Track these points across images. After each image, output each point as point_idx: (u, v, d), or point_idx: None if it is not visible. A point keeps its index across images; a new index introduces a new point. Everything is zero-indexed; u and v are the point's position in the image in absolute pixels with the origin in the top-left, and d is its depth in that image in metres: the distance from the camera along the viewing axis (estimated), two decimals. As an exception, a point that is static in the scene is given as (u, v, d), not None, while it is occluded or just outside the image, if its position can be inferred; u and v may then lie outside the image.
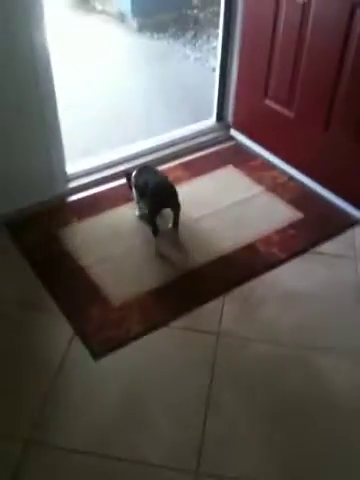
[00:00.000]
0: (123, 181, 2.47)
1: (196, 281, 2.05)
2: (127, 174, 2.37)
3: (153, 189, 2.16)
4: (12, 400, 1.65)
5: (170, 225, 2.27)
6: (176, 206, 2.20)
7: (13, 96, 2.10)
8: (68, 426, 1.59)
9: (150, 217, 2.18)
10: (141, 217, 2.33)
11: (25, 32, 2.00)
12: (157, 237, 2.19)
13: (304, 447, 1.55)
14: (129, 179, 2.35)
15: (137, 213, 2.35)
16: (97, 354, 1.78)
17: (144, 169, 2.31)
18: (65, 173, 2.48)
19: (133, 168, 2.39)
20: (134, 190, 2.31)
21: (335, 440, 1.57)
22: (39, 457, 1.51)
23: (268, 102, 2.64)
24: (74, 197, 2.47)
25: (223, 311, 1.93)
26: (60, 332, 1.85)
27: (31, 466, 1.48)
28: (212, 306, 1.96)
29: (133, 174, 2.31)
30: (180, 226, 2.28)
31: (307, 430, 1.59)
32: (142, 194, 2.25)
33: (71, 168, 2.54)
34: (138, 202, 2.33)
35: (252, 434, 1.58)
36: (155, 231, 2.19)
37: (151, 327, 1.87)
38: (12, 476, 1.46)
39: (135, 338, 1.83)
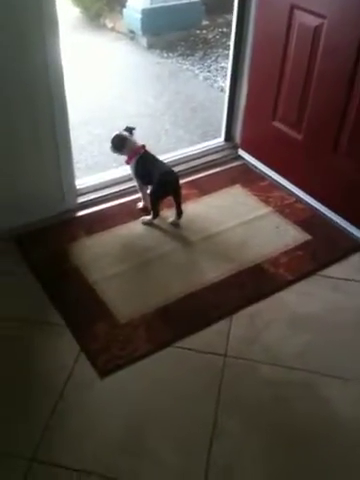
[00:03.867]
0: (133, 197, 2.54)
1: (203, 301, 2.05)
2: (119, 138, 2.35)
3: (161, 178, 2.29)
4: (18, 418, 1.64)
5: (171, 219, 2.41)
6: (178, 193, 2.37)
7: (26, 113, 2.12)
8: (72, 446, 1.57)
9: (154, 203, 2.36)
10: (143, 210, 2.46)
11: (40, 49, 2.02)
12: (155, 219, 2.40)
13: (311, 477, 1.53)
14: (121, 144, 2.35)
15: (141, 205, 2.49)
16: (103, 373, 1.77)
17: (144, 158, 2.35)
18: (75, 188, 2.49)
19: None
20: (135, 179, 2.42)
21: (342, 471, 1.55)
22: (42, 475, 1.49)
23: (277, 124, 2.66)
24: (83, 212, 2.48)
25: (230, 332, 1.92)
26: (66, 349, 1.84)
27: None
28: (219, 327, 1.95)
29: (133, 161, 2.36)
30: (187, 245, 2.30)
31: (314, 460, 1.57)
32: (146, 182, 2.39)
33: (81, 183, 2.56)
34: (141, 190, 2.44)
35: (258, 462, 1.56)
36: (156, 215, 2.38)
37: (157, 347, 1.86)
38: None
39: (141, 358, 1.82)
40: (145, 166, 2.34)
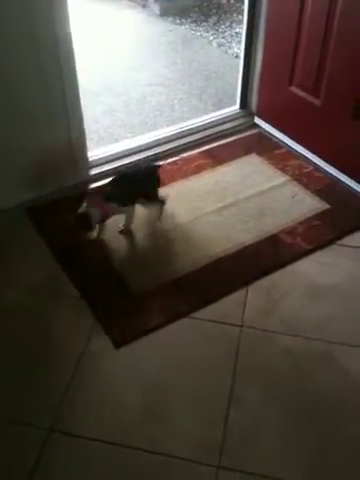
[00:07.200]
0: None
1: (218, 272, 2.02)
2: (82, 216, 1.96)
3: (155, 169, 2.21)
4: (35, 388, 1.65)
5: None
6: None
7: (35, 84, 2.08)
8: (89, 416, 1.58)
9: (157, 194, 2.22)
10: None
11: (48, 19, 1.96)
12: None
13: (328, 447, 1.51)
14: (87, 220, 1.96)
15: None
16: (118, 343, 1.76)
17: (113, 188, 2.08)
18: (87, 160, 2.46)
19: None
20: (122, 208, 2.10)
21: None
22: (61, 445, 1.50)
23: (294, 89, 2.57)
24: (96, 184, 2.44)
25: (246, 303, 1.90)
26: (82, 320, 1.84)
27: (53, 453, 1.49)
28: (235, 298, 1.92)
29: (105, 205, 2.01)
30: (202, 216, 2.26)
31: (332, 431, 1.55)
32: (135, 198, 2.14)
33: (93, 155, 2.52)
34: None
35: (275, 431, 1.55)
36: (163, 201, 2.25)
37: (173, 317, 1.85)
38: (35, 463, 1.46)
39: (156, 328, 1.81)
40: (123, 187, 2.07)
